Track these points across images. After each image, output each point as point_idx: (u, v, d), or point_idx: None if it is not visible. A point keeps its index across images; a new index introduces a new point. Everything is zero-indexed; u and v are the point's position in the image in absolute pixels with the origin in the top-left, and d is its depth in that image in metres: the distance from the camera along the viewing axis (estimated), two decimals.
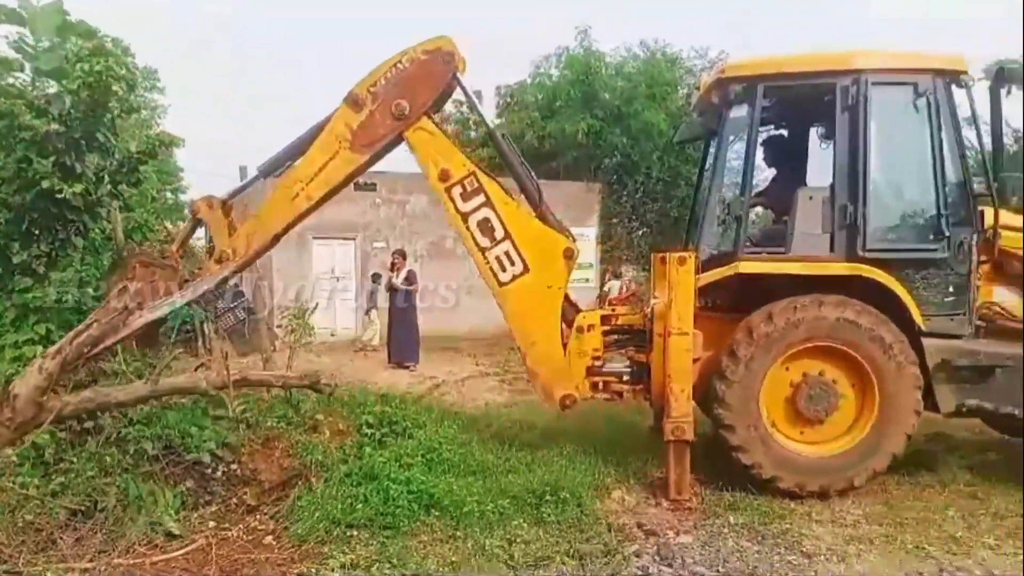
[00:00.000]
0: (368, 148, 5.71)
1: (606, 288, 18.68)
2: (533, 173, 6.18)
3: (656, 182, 20.46)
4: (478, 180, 5.82)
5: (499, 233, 5.86)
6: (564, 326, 6.07)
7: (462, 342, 15.31)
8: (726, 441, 5.79)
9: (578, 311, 6.28)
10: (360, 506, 4.98)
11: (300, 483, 5.40)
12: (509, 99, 22.11)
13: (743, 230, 5.98)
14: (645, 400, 6.32)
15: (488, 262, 5.90)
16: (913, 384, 5.67)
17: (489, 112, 25.58)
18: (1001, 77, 5.95)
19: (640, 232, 21.90)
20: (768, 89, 5.96)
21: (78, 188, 5.70)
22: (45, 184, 5.58)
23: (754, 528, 5.21)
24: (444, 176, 5.83)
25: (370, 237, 17.75)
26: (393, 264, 13.62)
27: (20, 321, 5.81)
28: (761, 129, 6.62)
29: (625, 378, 6.26)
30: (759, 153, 6.65)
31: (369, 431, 6.30)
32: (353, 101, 5.64)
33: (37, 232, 5.86)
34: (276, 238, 5.81)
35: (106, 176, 6.17)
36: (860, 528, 5.25)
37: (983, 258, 5.92)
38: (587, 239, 19.34)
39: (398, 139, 5.81)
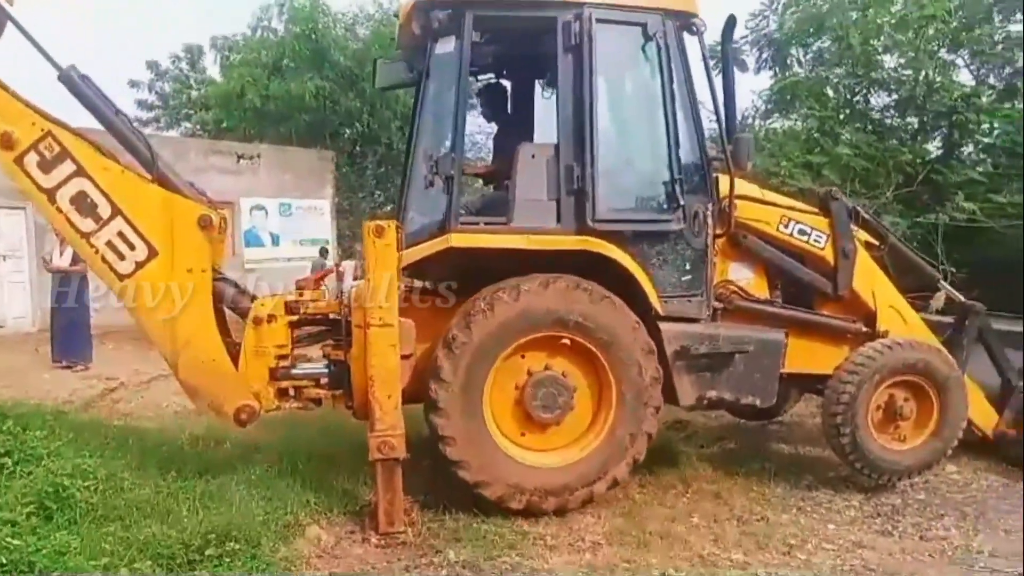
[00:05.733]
0: None
1: (341, 268, 17.23)
2: (135, 124, 4.85)
3: (398, 153, 19.27)
4: (59, 142, 4.44)
5: (104, 210, 4.53)
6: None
7: None
8: (445, 455, 4.70)
9: (253, 299, 4.88)
10: None
11: None
12: (228, 53, 19.67)
13: (456, 194, 4.85)
14: (348, 408, 5.02)
15: (97, 250, 4.52)
16: (653, 380, 4.89)
17: (212, 69, 22.92)
18: (731, 28, 5.40)
19: (389, 208, 20.64)
20: (479, 19, 4.82)
21: None
22: None
23: (479, 567, 4.15)
24: (7, 143, 4.41)
25: None
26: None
27: None
28: (481, 78, 5.61)
29: (323, 381, 4.96)
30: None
31: None
32: None
33: None
34: None
35: None
36: (601, 552, 4.39)
37: (718, 231, 5.25)
38: (321, 212, 17.77)
39: None
